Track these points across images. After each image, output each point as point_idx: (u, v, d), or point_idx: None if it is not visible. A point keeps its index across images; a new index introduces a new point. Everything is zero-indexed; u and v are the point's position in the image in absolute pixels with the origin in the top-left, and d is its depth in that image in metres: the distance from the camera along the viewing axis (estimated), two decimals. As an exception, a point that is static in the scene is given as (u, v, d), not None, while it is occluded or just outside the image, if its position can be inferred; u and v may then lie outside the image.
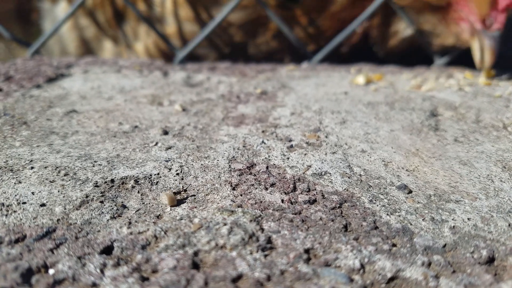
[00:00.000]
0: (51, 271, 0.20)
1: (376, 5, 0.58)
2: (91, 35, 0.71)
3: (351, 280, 0.20)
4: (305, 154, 0.32)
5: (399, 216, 0.25)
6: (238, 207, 0.25)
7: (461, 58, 0.62)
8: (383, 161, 0.31)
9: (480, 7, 0.49)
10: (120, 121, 0.38)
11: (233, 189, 0.28)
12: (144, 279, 0.20)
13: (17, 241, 0.22)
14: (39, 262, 0.20)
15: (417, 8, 0.57)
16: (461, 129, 0.38)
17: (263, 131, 0.37)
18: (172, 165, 0.30)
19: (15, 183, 0.27)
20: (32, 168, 0.29)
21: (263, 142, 0.34)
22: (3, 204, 0.25)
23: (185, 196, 0.27)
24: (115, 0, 0.67)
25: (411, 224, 0.24)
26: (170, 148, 0.33)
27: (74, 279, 0.19)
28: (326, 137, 0.35)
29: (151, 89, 0.49)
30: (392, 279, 0.20)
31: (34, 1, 0.77)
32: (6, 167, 0.29)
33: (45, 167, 0.29)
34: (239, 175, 0.29)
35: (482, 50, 0.51)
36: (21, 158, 0.30)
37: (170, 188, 0.27)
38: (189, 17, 0.64)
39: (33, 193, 0.26)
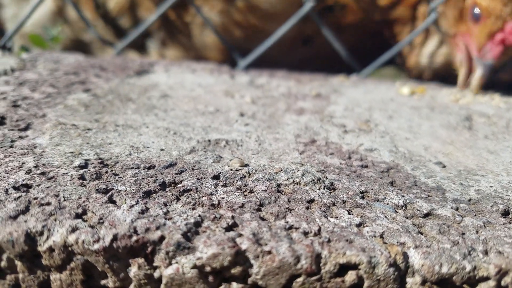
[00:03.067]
0: (179, 186, 0.28)
1: (423, 27, 0.66)
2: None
3: (396, 212, 0.27)
4: (358, 136, 0.39)
5: (435, 179, 0.32)
6: (306, 163, 0.33)
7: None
8: (423, 146, 0.38)
9: (479, 38, 0.57)
10: (205, 105, 0.47)
11: (300, 154, 0.35)
12: (245, 195, 0.27)
13: (149, 168, 0.30)
14: (170, 179, 0.29)
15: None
16: (491, 130, 0.44)
17: (320, 119, 0.44)
18: (251, 135, 0.38)
19: (137, 135, 0.36)
20: (147, 127, 0.38)
21: (321, 126, 0.42)
22: (132, 147, 0.34)
23: (263, 155, 0.35)
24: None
25: (443, 185, 0.31)
26: (247, 124, 0.41)
27: (197, 190, 0.28)
28: (376, 126, 0.42)
29: (223, 86, 0.58)
30: (427, 214, 0.27)
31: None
32: (126, 125, 0.38)
33: (157, 128, 0.38)
34: (304, 146, 0.37)
35: (469, 75, 0.60)
36: (136, 121, 0.39)
37: (251, 149, 0.35)
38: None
39: (153, 142, 0.35)
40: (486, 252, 0.23)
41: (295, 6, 0.70)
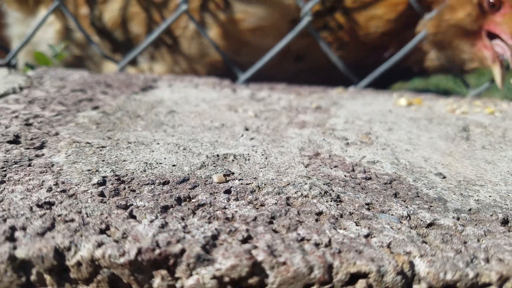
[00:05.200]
0: (193, 200, 0.30)
1: (417, 40, 0.68)
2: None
3: (401, 222, 0.28)
4: (360, 149, 0.41)
5: (436, 190, 0.33)
6: (313, 176, 0.34)
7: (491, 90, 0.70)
8: (423, 157, 0.40)
9: (510, 25, 0.56)
10: (211, 120, 0.48)
11: (306, 167, 0.37)
12: (256, 208, 0.29)
13: (164, 183, 0.32)
14: (185, 194, 0.30)
15: (450, 34, 0.65)
16: (488, 140, 0.46)
17: (323, 132, 0.46)
18: (257, 149, 0.40)
19: (150, 152, 0.37)
20: (158, 143, 0.39)
21: (324, 139, 0.44)
22: (146, 163, 0.35)
23: (270, 169, 0.36)
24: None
25: (444, 196, 0.32)
26: (252, 139, 0.43)
27: (210, 204, 0.29)
28: (376, 138, 0.44)
29: (225, 100, 0.59)
30: (430, 224, 0.28)
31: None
32: (138, 142, 0.40)
33: (168, 144, 0.39)
34: (309, 159, 0.38)
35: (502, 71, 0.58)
36: (147, 137, 0.41)
37: (258, 163, 0.37)
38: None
39: (165, 158, 0.36)
40: (487, 260, 0.25)
41: (283, 23, 0.72)
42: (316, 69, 0.79)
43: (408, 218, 0.29)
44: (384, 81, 0.79)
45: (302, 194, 0.31)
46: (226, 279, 0.23)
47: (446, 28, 0.64)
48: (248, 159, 0.38)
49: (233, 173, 0.34)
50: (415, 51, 0.70)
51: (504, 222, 0.30)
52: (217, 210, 0.28)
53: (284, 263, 0.23)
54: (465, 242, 0.26)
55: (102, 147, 0.37)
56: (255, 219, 0.27)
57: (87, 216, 0.26)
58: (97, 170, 0.33)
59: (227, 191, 0.31)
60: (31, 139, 0.39)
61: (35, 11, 0.77)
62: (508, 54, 0.58)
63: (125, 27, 0.78)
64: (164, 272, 0.24)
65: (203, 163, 0.36)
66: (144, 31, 0.77)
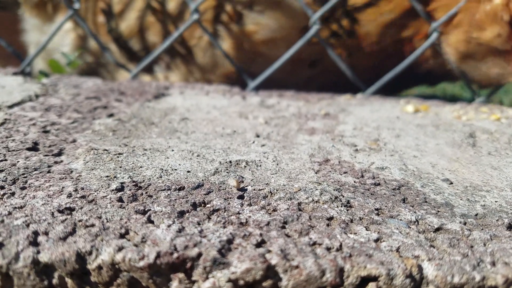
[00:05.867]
0: (208, 206, 0.31)
1: (423, 48, 0.69)
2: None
3: (409, 227, 0.29)
4: (369, 155, 0.42)
5: (443, 196, 0.34)
6: (323, 182, 0.35)
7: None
8: (430, 163, 0.41)
9: None
10: (222, 127, 0.50)
11: (316, 173, 0.38)
12: (269, 213, 0.30)
13: (180, 189, 0.33)
14: (200, 200, 0.31)
15: (481, 53, 0.63)
16: (494, 147, 0.46)
17: (332, 139, 0.47)
18: (268, 155, 0.41)
19: (165, 158, 0.39)
20: (172, 150, 0.41)
21: (333, 146, 0.45)
22: (161, 170, 0.36)
23: (281, 175, 0.37)
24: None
25: (451, 201, 0.33)
26: (263, 145, 0.44)
27: (225, 209, 0.30)
28: (385, 145, 0.45)
29: (236, 107, 0.61)
30: (438, 229, 0.29)
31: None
32: (153, 149, 0.41)
33: (182, 150, 0.41)
34: (319, 165, 0.39)
35: None
36: (161, 144, 0.42)
37: (270, 169, 0.38)
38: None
39: (179, 164, 0.37)
40: (493, 263, 0.26)
41: (294, 32, 0.73)
42: (329, 74, 0.80)
43: (416, 223, 0.29)
44: (391, 88, 0.80)
45: (313, 200, 0.32)
46: (241, 282, 0.24)
47: (475, 46, 0.61)
48: (260, 165, 0.39)
49: (245, 179, 0.36)
50: (433, 57, 0.70)
51: (510, 226, 0.30)
52: (231, 215, 0.29)
53: (297, 267, 0.24)
54: (471, 246, 0.27)
55: (119, 154, 0.39)
56: (268, 223, 0.28)
57: (107, 221, 0.27)
58: (115, 176, 0.34)
59: (241, 197, 0.32)
60: (49, 146, 0.41)
61: (54, 18, 0.79)
62: None
63: (141, 36, 0.79)
64: (181, 275, 0.25)
65: (217, 169, 0.37)
66: (159, 40, 0.79)
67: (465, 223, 0.30)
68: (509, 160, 0.43)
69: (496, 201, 0.34)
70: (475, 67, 0.66)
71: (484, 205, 0.33)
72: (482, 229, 0.30)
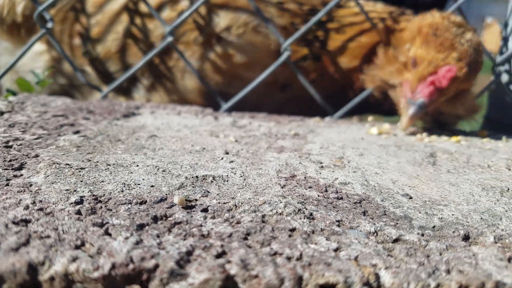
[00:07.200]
0: (170, 219, 0.30)
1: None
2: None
3: (368, 238, 0.30)
4: (333, 171, 0.43)
5: (402, 209, 0.35)
6: (288, 195, 0.36)
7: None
8: (391, 180, 0.42)
9: (412, 81, 0.64)
10: (192, 144, 0.50)
11: (282, 187, 0.38)
12: (232, 225, 0.30)
13: (141, 203, 0.33)
14: (161, 213, 0.31)
15: (380, 87, 0.73)
16: (453, 165, 0.48)
17: (299, 156, 0.48)
18: (236, 171, 0.41)
19: (128, 173, 0.38)
20: (137, 166, 0.40)
21: (300, 163, 0.45)
22: (124, 184, 0.36)
23: (248, 190, 0.37)
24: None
25: (410, 214, 0.34)
26: (232, 161, 0.44)
27: (187, 222, 0.30)
28: (348, 162, 0.46)
29: (207, 127, 0.61)
30: (396, 240, 0.30)
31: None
32: (117, 164, 0.40)
33: (147, 166, 0.40)
34: (285, 180, 0.40)
35: (404, 116, 0.65)
36: (126, 160, 0.42)
37: (237, 184, 0.38)
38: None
39: (143, 179, 0.37)
40: (448, 271, 0.26)
41: (269, 56, 0.76)
42: (300, 99, 0.82)
43: (375, 234, 0.30)
44: (360, 113, 0.83)
45: (277, 212, 0.32)
46: (200, 292, 0.24)
47: (379, 82, 0.73)
48: (227, 180, 0.39)
49: (210, 193, 0.35)
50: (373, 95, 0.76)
51: (465, 237, 0.31)
52: (193, 228, 0.29)
53: (256, 276, 0.24)
54: (428, 256, 0.28)
55: (81, 168, 0.38)
56: (230, 235, 0.28)
57: (63, 233, 0.27)
58: (75, 190, 0.33)
59: (204, 210, 0.32)
60: (10, 160, 0.39)
61: (27, 41, 0.78)
62: (403, 102, 0.67)
63: (118, 59, 0.80)
64: (137, 287, 0.24)
65: (182, 183, 0.37)
66: (136, 62, 0.79)
67: (422, 234, 0.31)
68: (467, 177, 0.44)
69: (453, 214, 0.35)
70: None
71: (441, 218, 0.34)
72: (439, 240, 0.30)
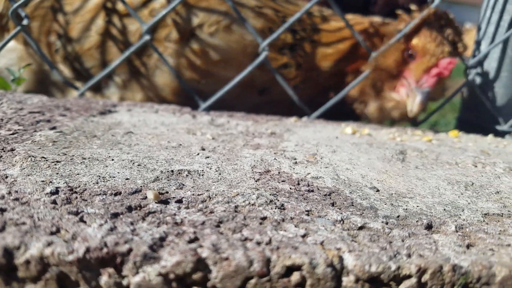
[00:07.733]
0: (144, 209, 0.31)
1: (355, 83, 0.75)
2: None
3: (335, 225, 0.31)
4: (306, 167, 0.44)
5: (369, 201, 0.37)
6: (261, 188, 0.37)
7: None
8: (361, 174, 0.44)
9: (417, 72, 0.73)
10: (168, 141, 0.50)
11: (256, 181, 0.39)
12: (205, 215, 0.31)
13: (116, 194, 0.33)
14: (136, 203, 0.32)
15: (382, 77, 0.78)
16: (422, 162, 0.51)
17: (275, 153, 0.49)
18: (211, 166, 0.42)
19: (104, 167, 0.39)
20: (112, 160, 0.41)
21: (275, 159, 0.47)
22: (99, 176, 0.36)
23: (222, 183, 0.38)
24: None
25: (376, 205, 0.36)
26: (208, 157, 0.45)
27: (161, 211, 0.31)
28: (321, 159, 0.48)
29: (185, 124, 0.62)
30: (361, 227, 0.31)
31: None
32: (92, 158, 0.41)
33: (122, 160, 0.41)
34: (260, 175, 0.41)
35: (413, 103, 0.73)
36: (101, 154, 0.42)
37: (212, 178, 0.39)
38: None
39: (118, 172, 0.38)
40: (409, 255, 0.28)
41: (245, 56, 0.77)
42: (278, 103, 0.84)
43: (341, 222, 0.32)
44: (337, 116, 0.86)
45: (249, 203, 0.33)
46: (171, 275, 0.25)
47: (379, 71, 0.78)
48: (202, 175, 0.40)
49: (186, 186, 0.36)
50: (349, 100, 0.79)
51: (428, 227, 0.33)
52: (167, 216, 0.30)
53: (226, 258, 0.25)
54: (390, 242, 0.30)
55: (57, 161, 0.38)
56: (203, 223, 0.29)
57: (39, 220, 0.27)
58: (50, 182, 0.34)
59: (179, 201, 0.33)
60: (-16, 154, 0.39)
61: (1, 39, 0.77)
62: (404, 91, 0.76)
63: (95, 56, 0.79)
64: (111, 270, 0.25)
65: (157, 177, 0.37)
66: (111, 59, 0.79)
67: (387, 223, 0.33)
68: (434, 173, 0.47)
69: (417, 206, 0.37)
70: (376, 101, 0.82)
71: (406, 209, 0.36)
72: (402, 228, 0.32)
